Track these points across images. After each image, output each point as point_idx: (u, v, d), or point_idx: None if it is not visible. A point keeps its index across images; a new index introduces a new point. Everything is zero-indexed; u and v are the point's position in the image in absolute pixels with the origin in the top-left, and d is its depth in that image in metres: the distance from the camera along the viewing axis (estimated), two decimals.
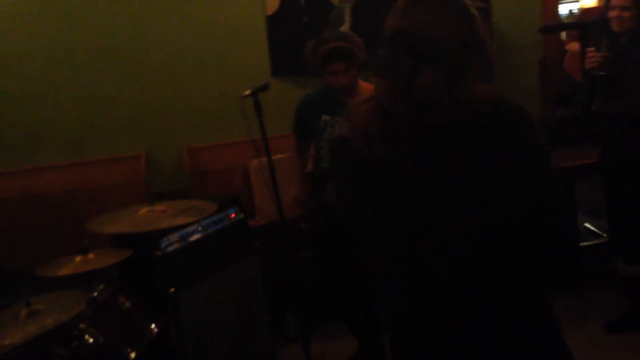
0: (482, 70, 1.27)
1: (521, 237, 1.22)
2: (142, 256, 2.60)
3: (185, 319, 2.54)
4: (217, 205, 2.79)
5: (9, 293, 2.53)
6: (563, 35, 4.52)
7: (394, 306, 1.36)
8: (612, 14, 2.96)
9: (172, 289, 2.50)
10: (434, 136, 1.23)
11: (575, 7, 4.58)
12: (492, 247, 1.22)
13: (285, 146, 3.64)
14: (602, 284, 3.61)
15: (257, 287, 2.88)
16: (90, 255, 2.57)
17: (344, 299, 3.09)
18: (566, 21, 4.57)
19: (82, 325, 2.12)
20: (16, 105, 3.96)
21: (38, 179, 3.91)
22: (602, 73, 3.01)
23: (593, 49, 3.01)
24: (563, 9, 4.68)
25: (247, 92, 2.75)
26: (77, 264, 2.52)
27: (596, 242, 4.14)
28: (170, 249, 2.59)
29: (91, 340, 2.11)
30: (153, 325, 2.54)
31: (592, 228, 4.35)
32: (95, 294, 2.26)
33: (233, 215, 2.89)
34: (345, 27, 4.10)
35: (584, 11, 4.43)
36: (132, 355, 2.20)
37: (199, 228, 2.72)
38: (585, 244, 4.10)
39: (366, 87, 2.85)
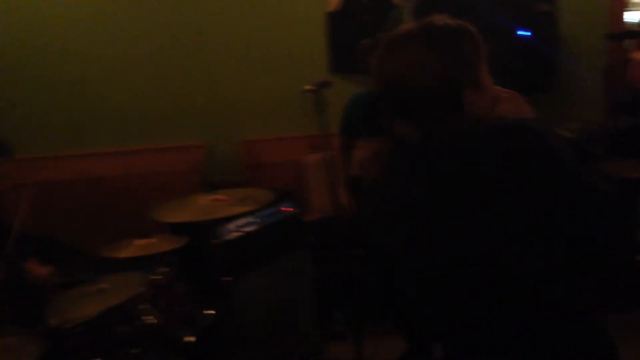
0: (477, 92, 1.25)
1: (555, 248, 1.20)
2: (199, 244, 2.67)
3: (238, 307, 2.60)
4: (273, 197, 2.83)
5: (75, 271, 2.63)
6: (628, 43, 4.41)
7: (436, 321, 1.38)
8: None
9: (227, 278, 2.57)
10: (442, 168, 1.25)
11: None
12: (521, 259, 1.21)
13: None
14: None
15: (308, 282, 2.92)
16: (151, 240, 2.65)
17: (392, 300, 3.10)
18: (633, 29, 4.45)
19: (142, 306, 2.20)
20: (83, 89, 4.11)
21: (100, 163, 4.05)
22: None
23: None
24: (630, 16, 4.56)
25: (309, 87, 2.77)
26: (138, 247, 2.61)
27: None
28: (227, 238, 2.66)
29: (151, 320, 2.18)
30: (207, 312, 2.60)
31: None
32: (156, 277, 2.33)
33: (288, 209, 2.94)
34: None
35: None
36: (188, 338, 2.27)
37: (255, 220, 2.78)
38: None
39: None
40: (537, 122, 1.23)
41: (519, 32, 3.62)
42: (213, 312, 2.44)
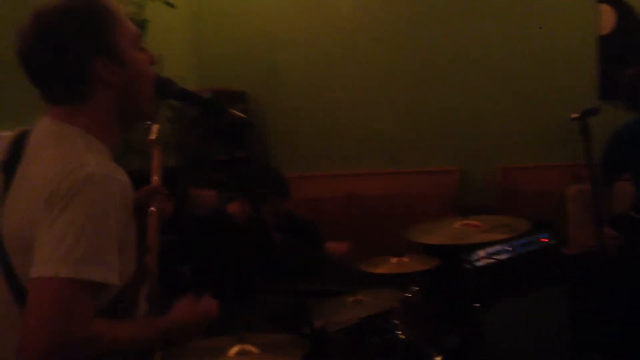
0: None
1: None
2: (450, 267, 2.72)
3: (486, 335, 2.58)
4: (530, 226, 2.75)
5: (335, 281, 2.88)
6: None
7: None
8: None
9: (477, 304, 2.56)
10: None
11: None
12: None
13: None
14: None
15: (563, 319, 2.76)
16: (405, 259, 2.77)
17: None
18: None
19: (395, 321, 2.32)
20: (350, 114, 4.47)
21: (362, 183, 4.35)
22: None
23: None
24: None
25: (576, 115, 2.66)
26: (393, 264, 2.75)
27: None
28: (479, 264, 2.65)
29: (402, 335, 2.29)
30: (455, 335, 2.63)
31: None
32: (409, 295, 2.44)
33: (545, 239, 2.83)
34: None
35: None
36: (437, 358, 2.32)
37: (509, 248, 2.73)
38: None
39: None
40: None
41: None
42: (459, 336, 2.46)
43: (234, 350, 1.87)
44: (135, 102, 1.30)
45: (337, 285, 2.76)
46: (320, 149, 4.56)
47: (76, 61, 1.21)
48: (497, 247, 2.72)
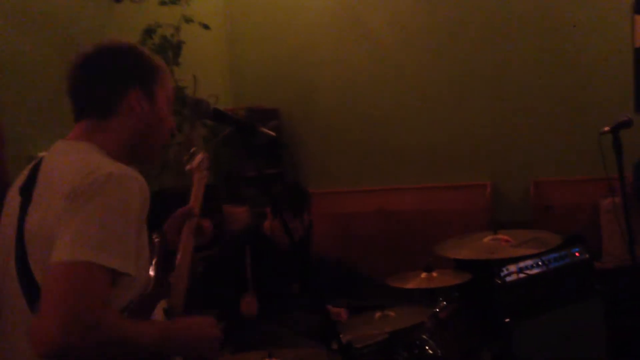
0: None
1: None
2: (481, 282, 2.71)
3: (517, 351, 2.56)
4: (561, 241, 2.73)
5: (362, 296, 2.89)
6: None
7: None
8: None
9: (508, 319, 2.55)
10: None
11: None
12: None
13: None
14: None
15: (598, 334, 2.73)
16: (434, 274, 2.77)
17: None
18: None
19: (424, 336, 2.33)
20: (381, 130, 4.50)
21: (394, 198, 4.37)
22: None
23: None
24: None
25: (607, 129, 2.62)
26: (422, 279, 2.75)
27: None
28: (509, 279, 2.65)
29: (430, 351, 2.30)
30: (486, 351, 2.62)
31: None
32: (438, 310, 2.44)
33: (577, 254, 2.80)
34: None
35: None
36: None
37: (540, 262, 2.71)
38: None
39: None
40: None
41: None
42: (490, 352, 2.45)
43: None
44: (148, 143, 1.39)
45: (366, 301, 2.78)
46: (352, 165, 4.60)
47: (118, 81, 1.34)
48: (529, 262, 2.71)
